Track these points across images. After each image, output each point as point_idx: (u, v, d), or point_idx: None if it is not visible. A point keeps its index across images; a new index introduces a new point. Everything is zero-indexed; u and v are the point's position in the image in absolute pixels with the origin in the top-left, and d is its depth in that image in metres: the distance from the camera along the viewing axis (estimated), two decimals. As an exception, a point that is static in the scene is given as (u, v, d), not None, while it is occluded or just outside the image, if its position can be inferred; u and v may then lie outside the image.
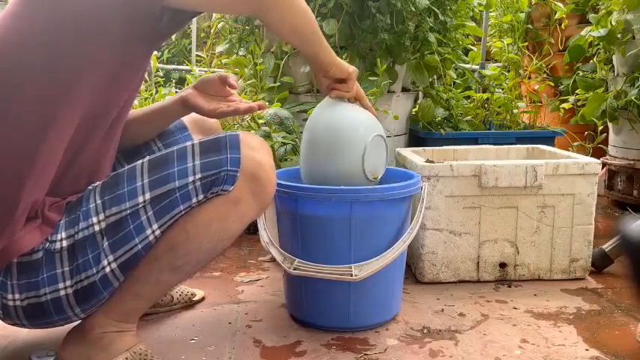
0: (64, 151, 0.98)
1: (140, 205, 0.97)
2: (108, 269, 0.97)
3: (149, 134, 1.26)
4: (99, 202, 0.99)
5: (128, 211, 0.97)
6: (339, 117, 1.24)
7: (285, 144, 1.81)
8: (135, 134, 1.23)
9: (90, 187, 1.02)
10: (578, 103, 2.59)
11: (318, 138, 1.25)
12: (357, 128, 1.23)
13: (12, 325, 1.03)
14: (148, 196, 0.98)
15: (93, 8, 0.94)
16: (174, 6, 0.97)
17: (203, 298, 1.44)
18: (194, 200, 0.99)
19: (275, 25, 1.08)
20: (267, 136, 1.75)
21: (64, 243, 0.97)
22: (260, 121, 1.87)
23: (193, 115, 1.32)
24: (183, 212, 0.99)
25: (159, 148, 1.26)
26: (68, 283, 0.97)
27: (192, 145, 1.01)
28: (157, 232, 0.98)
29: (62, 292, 0.97)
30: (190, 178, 0.98)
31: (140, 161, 1.02)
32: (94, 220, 0.98)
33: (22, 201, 0.94)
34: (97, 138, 1.03)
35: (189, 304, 1.40)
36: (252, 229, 1.94)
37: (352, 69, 1.23)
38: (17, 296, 0.97)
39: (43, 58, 0.92)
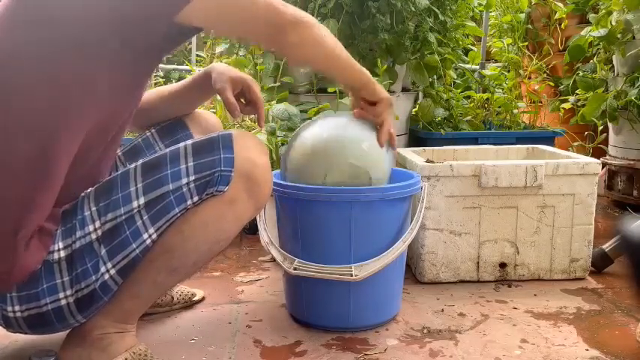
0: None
1: (135, 210, 0.97)
2: (107, 276, 0.97)
3: (184, 110, 1.31)
4: (94, 209, 0.98)
5: (123, 217, 0.97)
6: (338, 124, 1.23)
7: (285, 143, 1.81)
8: (166, 113, 1.29)
9: (83, 194, 1.01)
10: (578, 103, 2.59)
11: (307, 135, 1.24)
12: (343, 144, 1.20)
13: (14, 333, 1.03)
14: (142, 200, 0.97)
15: (92, 26, 0.91)
16: (182, 23, 0.95)
17: (203, 298, 1.44)
18: (189, 202, 0.98)
19: (294, 56, 1.10)
20: (272, 133, 1.74)
21: (62, 253, 0.96)
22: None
23: (194, 114, 1.33)
24: (178, 214, 0.98)
25: (160, 148, 1.26)
26: (69, 292, 0.97)
27: (185, 146, 1.00)
28: (154, 236, 0.98)
29: (63, 302, 0.97)
30: (184, 180, 0.97)
31: (133, 165, 1.01)
32: (91, 228, 0.97)
33: (25, 227, 0.93)
34: (98, 153, 1.02)
35: (189, 304, 1.39)
36: (253, 229, 1.94)
37: (385, 95, 1.20)
38: (17, 308, 0.96)
39: (43, 71, 0.91)
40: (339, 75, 1.17)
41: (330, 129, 1.24)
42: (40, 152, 0.91)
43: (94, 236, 0.97)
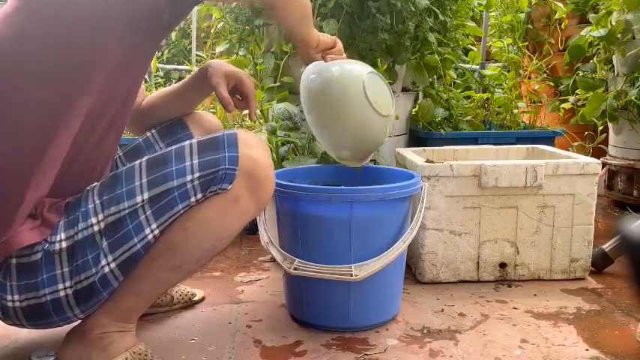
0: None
1: (138, 205, 0.97)
2: (107, 269, 0.97)
3: (184, 109, 1.33)
4: (97, 202, 0.98)
5: (127, 211, 0.97)
6: (333, 64, 1.27)
7: (288, 142, 1.81)
8: (167, 112, 1.31)
9: (88, 188, 1.02)
10: (578, 103, 2.59)
11: (318, 85, 1.28)
12: (352, 68, 1.27)
13: (12, 325, 1.03)
14: (146, 195, 0.97)
15: (94, 7, 0.94)
16: None
17: (203, 298, 1.44)
18: (192, 199, 0.99)
19: (284, 13, 1.11)
20: (273, 133, 1.74)
21: (64, 244, 0.97)
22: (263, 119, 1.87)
23: (195, 115, 1.33)
24: (182, 211, 0.99)
25: (161, 148, 1.27)
26: (68, 284, 0.97)
27: (190, 144, 1.01)
28: (156, 232, 0.98)
29: (62, 293, 0.97)
30: (188, 177, 0.98)
31: (138, 161, 1.02)
32: (93, 220, 0.97)
33: (26, 198, 0.94)
34: (97, 135, 1.02)
35: (189, 304, 1.40)
36: (253, 229, 1.94)
37: (335, 37, 1.28)
38: (16, 297, 0.97)
39: (50, 55, 0.92)
40: (307, 32, 1.18)
41: (333, 62, 1.28)
42: (43, 134, 0.94)
43: (96, 228, 0.97)
